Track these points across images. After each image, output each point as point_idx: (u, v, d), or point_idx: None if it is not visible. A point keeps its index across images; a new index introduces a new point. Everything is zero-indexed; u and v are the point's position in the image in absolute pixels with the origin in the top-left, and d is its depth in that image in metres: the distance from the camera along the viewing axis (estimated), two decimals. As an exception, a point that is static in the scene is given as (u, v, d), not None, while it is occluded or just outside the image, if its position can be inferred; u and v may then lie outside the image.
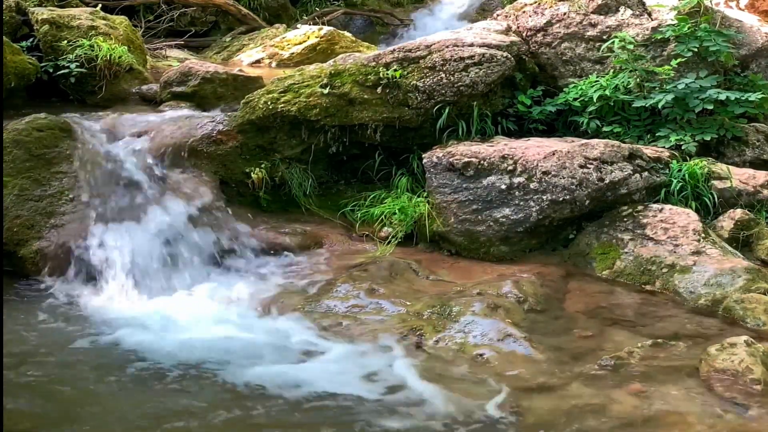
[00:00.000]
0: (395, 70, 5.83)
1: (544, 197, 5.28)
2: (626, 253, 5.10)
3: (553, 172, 5.29)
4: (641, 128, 6.08)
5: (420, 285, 4.93)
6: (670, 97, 5.91)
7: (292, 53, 7.96)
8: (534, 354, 4.10)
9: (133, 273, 4.91)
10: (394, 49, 6.05)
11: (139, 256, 4.98)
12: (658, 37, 6.29)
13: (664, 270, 4.91)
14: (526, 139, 5.87)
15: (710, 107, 5.93)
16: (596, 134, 6.02)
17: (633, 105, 6.06)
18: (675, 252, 4.97)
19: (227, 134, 5.76)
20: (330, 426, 3.49)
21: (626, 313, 4.62)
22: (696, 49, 6.12)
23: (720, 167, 5.66)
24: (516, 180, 5.33)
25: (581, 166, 5.32)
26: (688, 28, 6.18)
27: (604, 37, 6.37)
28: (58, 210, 5.11)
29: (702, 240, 5.00)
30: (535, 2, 6.65)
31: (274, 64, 7.90)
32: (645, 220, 5.20)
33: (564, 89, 6.30)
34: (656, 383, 3.80)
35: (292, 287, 4.95)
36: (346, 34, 8.41)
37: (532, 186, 5.30)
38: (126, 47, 6.74)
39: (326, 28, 8.25)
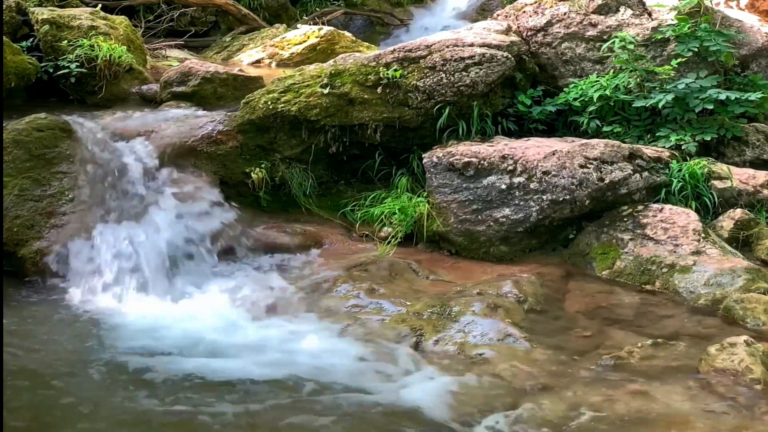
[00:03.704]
0: (395, 70, 5.83)
1: (544, 197, 5.28)
2: (626, 253, 5.10)
3: (553, 172, 5.29)
4: (641, 128, 6.08)
5: (420, 285, 4.93)
6: (670, 97, 5.91)
7: (292, 53, 7.96)
8: (534, 354, 4.09)
9: (133, 273, 4.90)
10: (395, 49, 6.05)
11: (138, 257, 4.97)
12: (659, 37, 6.29)
13: (664, 270, 4.91)
14: (526, 139, 5.87)
15: (710, 107, 5.94)
16: (596, 134, 6.02)
17: (633, 105, 6.06)
18: (675, 252, 4.97)
19: (227, 134, 5.76)
20: (327, 427, 3.49)
21: (626, 312, 4.62)
22: (696, 49, 6.12)
23: (720, 167, 5.66)
24: (516, 180, 5.33)
25: (581, 166, 5.32)
26: (689, 28, 6.18)
27: (605, 37, 6.37)
28: (58, 210, 5.11)
29: (702, 240, 5.00)
30: (535, 2, 6.65)
31: (274, 64, 7.90)
32: (645, 220, 5.20)
33: (564, 89, 6.30)
34: (656, 383, 3.80)
35: (291, 287, 4.94)
36: (346, 34, 8.40)
37: (532, 186, 5.30)
38: (126, 47, 6.75)
39: (326, 28, 8.25)
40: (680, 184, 5.46)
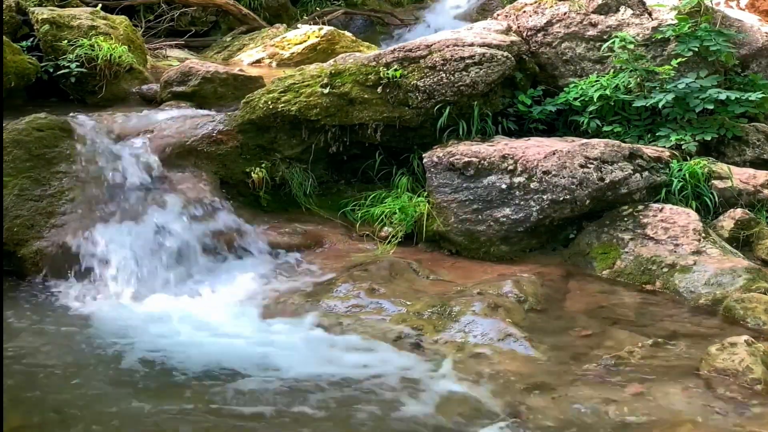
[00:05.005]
0: (395, 70, 5.83)
1: (545, 197, 5.28)
2: (626, 252, 5.09)
3: (553, 172, 5.29)
4: (641, 128, 6.08)
5: (420, 285, 4.92)
6: (670, 96, 5.91)
7: (293, 53, 7.96)
8: (534, 354, 4.10)
9: (133, 273, 4.90)
10: (395, 49, 6.06)
11: (138, 256, 4.97)
12: (659, 37, 6.29)
13: (665, 269, 4.91)
14: (527, 138, 5.87)
15: (710, 107, 5.94)
16: (596, 134, 6.02)
17: (633, 105, 6.07)
18: (675, 252, 4.97)
19: (227, 134, 5.76)
20: (326, 427, 3.49)
21: (626, 312, 4.62)
22: (696, 49, 6.12)
23: (720, 167, 5.65)
24: (516, 180, 5.33)
25: (581, 166, 5.32)
26: (689, 28, 6.19)
27: (605, 36, 6.38)
28: (58, 210, 5.11)
29: (702, 240, 5.00)
30: (535, 2, 6.66)
31: (274, 64, 7.90)
32: (645, 220, 5.19)
33: (564, 89, 6.31)
34: (656, 383, 3.80)
35: (292, 287, 4.95)
36: (347, 33, 8.41)
37: (532, 186, 5.30)
38: (126, 47, 6.75)
39: (326, 28, 8.26)
40: (680, 183, 5.46)
